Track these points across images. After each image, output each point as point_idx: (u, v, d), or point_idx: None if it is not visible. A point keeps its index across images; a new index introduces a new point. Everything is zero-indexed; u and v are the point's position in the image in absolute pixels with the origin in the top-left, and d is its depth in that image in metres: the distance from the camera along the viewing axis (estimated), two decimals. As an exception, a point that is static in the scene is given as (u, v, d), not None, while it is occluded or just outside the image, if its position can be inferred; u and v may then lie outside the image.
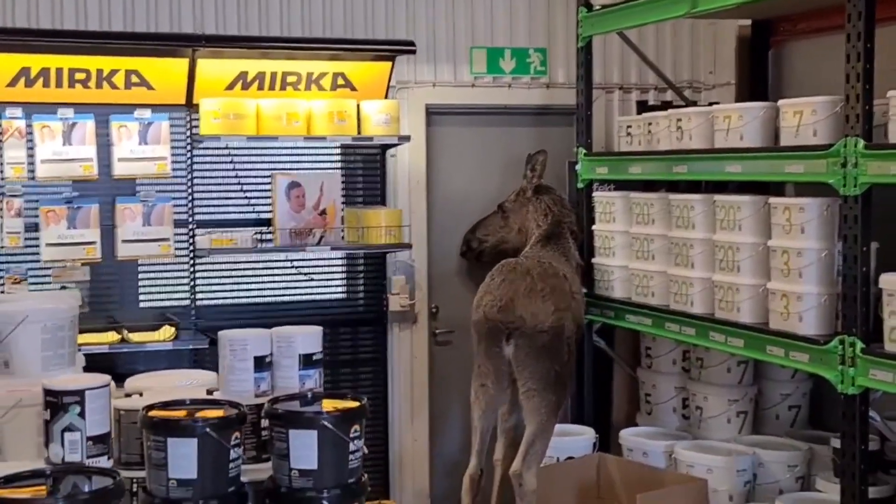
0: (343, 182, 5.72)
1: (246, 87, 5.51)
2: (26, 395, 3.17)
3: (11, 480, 2.56)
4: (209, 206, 5.64)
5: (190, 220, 5.54)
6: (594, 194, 5.63)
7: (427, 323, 6.12)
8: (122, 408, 3.17)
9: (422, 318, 6.09)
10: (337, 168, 5.89)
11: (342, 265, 6.03)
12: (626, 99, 6.34)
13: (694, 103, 5.95)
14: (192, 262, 5.56)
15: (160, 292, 5.63)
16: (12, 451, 3.16)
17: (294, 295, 5.89)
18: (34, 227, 5.15)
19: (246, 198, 5.71)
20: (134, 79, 5.30)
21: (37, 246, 5.14)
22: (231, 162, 5.67)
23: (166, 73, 5.36)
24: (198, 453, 2.88)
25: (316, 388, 3.34)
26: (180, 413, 3.04)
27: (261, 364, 3.29)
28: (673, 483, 4.85)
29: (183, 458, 2.87)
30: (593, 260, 5.58)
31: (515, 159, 5.80)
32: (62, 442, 2.85)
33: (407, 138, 5.64)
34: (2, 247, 5.03)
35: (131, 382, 3.75)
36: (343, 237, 5.61)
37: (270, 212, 5.55)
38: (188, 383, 3.81)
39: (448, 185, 6.17)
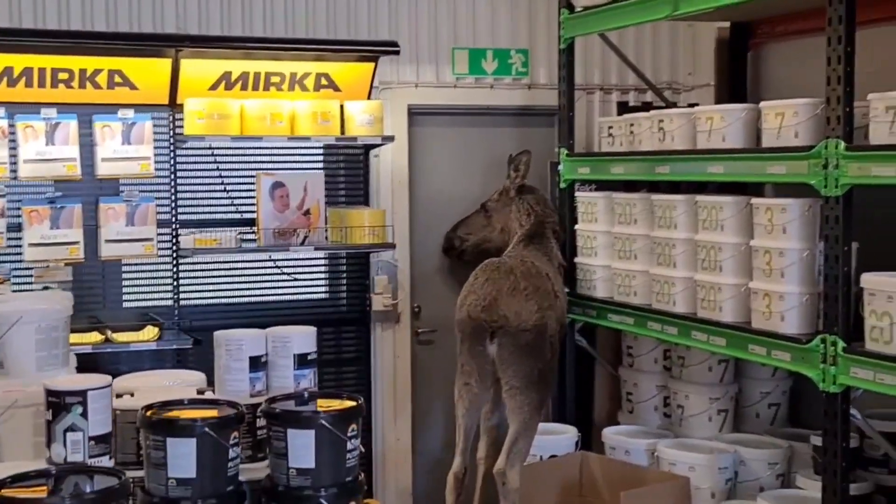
0: (326, 182, 5.73)
1: (229, 87, 5.51)
2: (21, 395, 3.18)
3: (18, 480, 2.56)
4: (192, 206, 5.63)
5: (173, 220, 5.53)
6: (577, 194, 5.67)
7: (410, 322, 6.14)
8: (118, 408, 3.18)
9: (404, 318, 6.11)
10: (319, 168, 5.91)
11: (325, 265, 6.05)
12: (606, 100, 6.38)
13: (674, 104, 6.01)
14: (175, 262, 5.55)
15: (143, 292, 5.62)
16: (8, 452, 3.16)
17: (277, 295, 5.90)
18: (17, 227, 5.14)
19: (229, 198, 5.71)
20: (117, 79, 5.30)
21: (20, 246, 5.13)
22: (214, 162, 5.67)
23: (150, 73, 5.35)
24: (197, 453, 2.90)
25: (311, 388, 3.36)
26: (179, 413, 3.05)
27: (256, 364, 3.31)
28: (655, 481, 4.87)
29: (182, 457, 2.89)
30: (576, 259, 5.62)
31: (497, 159, 5.84)
32: (64, 442, 2.86)
33: (391, 138, 5.66)
34: (-16, 247, 5.01)
35: (119, 383, 3.74)
36: (327, 237, 5.62)
37: (254, 212, 5.56)
38: (174, 383, 3.82)
39: (430, 185, 6.20)
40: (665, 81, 6.45)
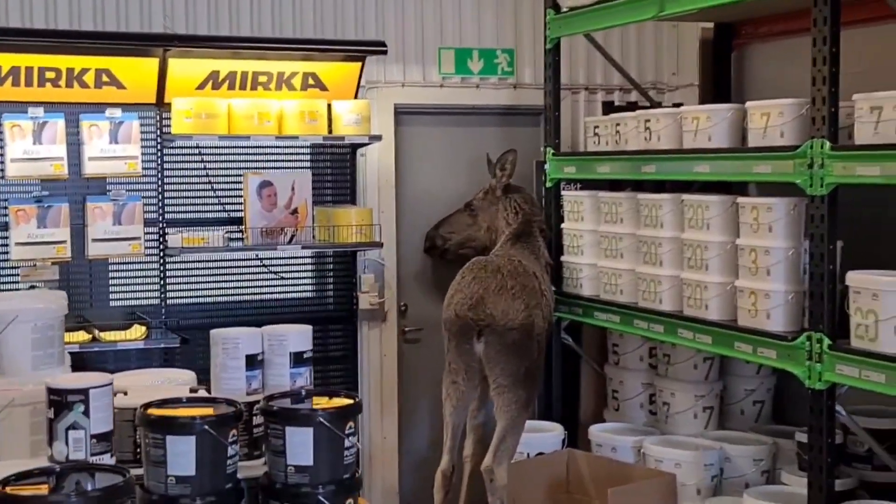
0: (313, 181, 5.73)
1: (217, 86, 5.51)
2: (18, 394, 3.18)
3: (22, 478, 2.57)
4: (180, 205, 5.63)
5: (160, 219, 5.53)
6: (563, 193, 5.71)
7: (396, 321, 6.16)
8: (115, 406, 3.18)
9: (391, 316, 6.13)
10: (307, 167, 5.92)
11: (312, 264, 6.06)
12: (591, 100, 6.42)
13: (659, 104, 6.05)
14: (162, 260, 5.56)
15: (130, 291, 5.61)
16: (5, 451, 3.16)
17: (265, 294, 5.90)
18: (4, 227, 5.14)
19: (217, 197, 5.72)
20: (104, 78, 5.29)
21: (6, 245, 5.12)
22: (202, 161, 5.67)
23: (137, 73, 5.35)
24: (196, 450, 2.91)
25: (307, 386, 3.38)
26: (177, 411, 3.06)
27: (252, 362, 3.33)
28: (642, 478, 4.91)
29: (182, 455, 2.91)
30: (562, 258, 5.65)
31: (483, 159, 5.86)
32: (66, 440, 2.87)
33: (378, 138, 5.68)
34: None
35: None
36: (314, 236, 5.63)
37: (241, 211, 5.56)
38: (161, 382, 3.83)
39: (417, 184, 6.22)
40: (649, 81, 6.49)
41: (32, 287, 5.14)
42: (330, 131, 5.54)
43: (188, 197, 5.67)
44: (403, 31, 6.08)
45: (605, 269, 5.32)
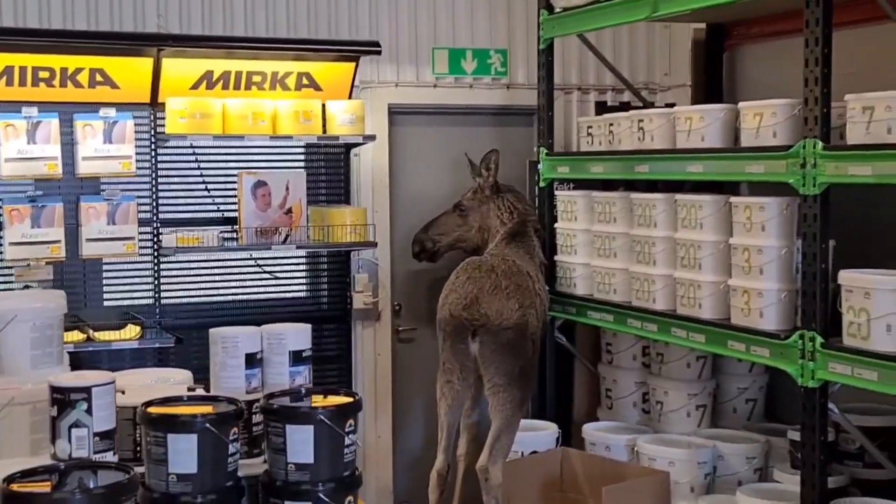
0: (307, 181, 5.73)
1: (211, 86, 5.52)
2: (17, 393, 3.19)
3: (26, 476, 2.58)
4: (174, 204, 5.64)
5: (154, 218, 5.54)
6: (556, 193, 5.73)
7: (390, 320, 6.18)
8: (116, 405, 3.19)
9: (385, 316, 6.14)
10: (301, 167, 5.93)
11: (306, 263, 6.07)
12: (584, 100, 6.44)
13: (651, 104, 6.08)
14: (156, 260, 5.56)
15: (125, 291, 5.62)
16: (5, 449, 3.17)
17: (259, 293, 5.92)
18: (-3, 226, 5.14)
19: (211, 196, 5.73)
20: (98, 77, 5.30)
21: (0, 245, 5.11)
22: (196, 161, 5.68)
23: (131, 72, 5.36)
24: (198, 448, 2.92)
25: (306, 384, 3.39)
26: (178, 409, 3.07)
27: (252, 361, 3.34)
28: (635, 476, 4.93)
29: (183, 453, 2.92)
30: (556, 257, 5.67)
31: (476, 159, 5.87)
32: (69, 438, 2.88)
33: (372, 137, 5.69)
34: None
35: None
36: (308, 235, 5.64)
37: (236, 210, 5.57)
38: (157, 381, 3.84)
39: (410, 184, 6.24)
40: (642, 82, 6.52)
41: (27, 287, 5.14)
42: (324, 131, 5.55)
43: (182, 197, 5.69)
44: (397, 32, 6.10)
45: (599, 269, 5.34)
